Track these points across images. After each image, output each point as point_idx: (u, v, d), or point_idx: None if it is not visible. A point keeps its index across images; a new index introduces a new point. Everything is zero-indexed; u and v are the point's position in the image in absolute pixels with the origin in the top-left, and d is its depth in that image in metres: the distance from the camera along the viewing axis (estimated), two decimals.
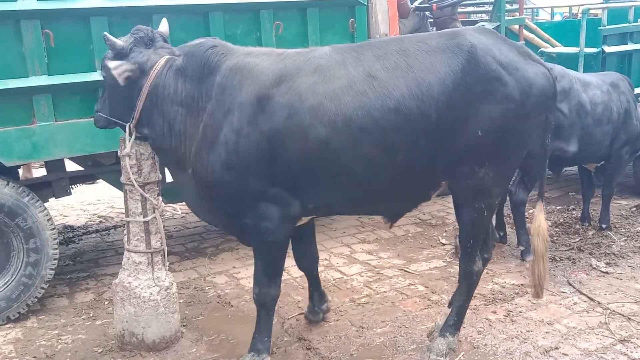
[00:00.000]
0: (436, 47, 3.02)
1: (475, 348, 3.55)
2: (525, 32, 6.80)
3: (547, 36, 7.25)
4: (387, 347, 3.59)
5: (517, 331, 3.72)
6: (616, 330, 3.71)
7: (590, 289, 4.30)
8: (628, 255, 4.88)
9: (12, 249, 3.93)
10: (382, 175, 3.07)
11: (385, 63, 2.99)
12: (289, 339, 3.71)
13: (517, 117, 3.03)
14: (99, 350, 3.62)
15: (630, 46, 6.84)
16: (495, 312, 3.97)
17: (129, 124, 3.29)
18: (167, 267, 3.64)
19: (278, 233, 3.16)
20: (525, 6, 8.46)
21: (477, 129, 2.99)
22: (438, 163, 3.08)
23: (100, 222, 6.21)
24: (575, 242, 5.17)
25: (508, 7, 6.99)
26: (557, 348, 3.52)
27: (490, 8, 6.89)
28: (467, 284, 3.40)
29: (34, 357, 3.57)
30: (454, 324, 3.45)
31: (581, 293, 4.23)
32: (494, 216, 3.97)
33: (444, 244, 5.29)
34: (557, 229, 5.51)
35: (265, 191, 3.08)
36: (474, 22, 7.45)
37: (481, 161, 3.07)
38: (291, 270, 4.54)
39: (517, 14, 6.90)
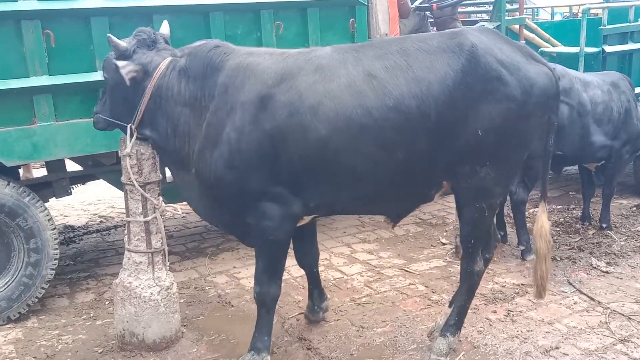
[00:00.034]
0: (437, 46, 3.03)
1: (475, 348, 3.55)
2: (525, 31, 6.80)
3: (547, 36, 7.25)
4: (387, 346, 3.59)
5: (518, 331, 3.72)
6: (616, 330, 3.71)
7: (591, 288, 4.30)
8: (628, 255, 4.88)
9: (13, 249, 3.93)
10: (382, 174, 3.07)
11: (385, 62, 3.01)
12: (289, 339, 3.71)
13: (518, 117, 3.03)
14: (100, 351, 3.62)
15: (630, 46, 6.83)
16: (495, 312, 3.97)
17: (130, 124, 3.30)
18: (168, 267, 3.65)
19: (279, 232, 3.17)
20: (525, 6, 8.45)
21: (478, 128, 2.99)
22: (438, 162, 3.08)
23: (101, 222, 6.21)
24: (575, 242, 5.17)
25: (508, 6, 6.99)
26: (557, 348, 3.52)
27: (491, 8, 6.89)
28: (469, 283, 3.40)
29: (34, 357, 3.57)
30: (454, 323, 3.45)
31: (581, 292, 4.23)
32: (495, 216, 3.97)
33: (444, 244, 5.29)
34: (558, 229, 5.51)
35: (267, 190, 3.09)
36: (474, 22, 7.45)
37: (482, 161, 3.07)
38: (291, 270, 4.54)
39: (518, 13, 6.89)
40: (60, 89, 3.93)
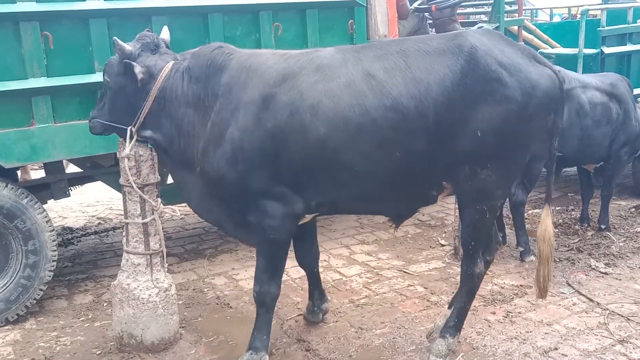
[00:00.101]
0: (436, 48, 3.04)
1: (474, 349, 3.54)
2: (524, 33, 6.80)
3: (546, 37, 7.26)
4: (386, 348, 3.59)
5: (517, 332, 3.72)
6: (615, 331, 3.71)
7: (590, 289, 4.30)
8: (627, 256, 4.88)
9: (11, 250, 3.92)
10: (382, 174, 3.08)
11: (385, 63, 3.02)
12: (288, 340, 3.70)
13: (519, 118, 3.01)
14: (98, 352, 3.61)
15: (629, 47, 6.85)
16: (494, 313, 3.97)
17: (130, 127, 3.32)
18: (166, 269, 3.64)
19: (281, 230, 3.19)
20: (524, 7, 8.46)
21: (477, 129, 2.98)
22: (438, 163, 3.08)
23: (99, 223, 6.21)
24: (574, 243, 5.17)
25: (507, 8, 7.00)
26: (556, 349, 3.52)
27: (489, 9, 6.89)
28: (469, 286, 3.40)
29: (32, 359, 3.56)
30: (454, 325, 3.44)
31: (580, 294, 4.23)
32: None
33: (443, 245, 5.29)
34: (557, 230, 5.50)
35: (269, 188, 3.11)
36: (473, 23, 7.45)
37: (483, 163, 3.06)
38: (290, 271, 4.54)
39: (516, 14, 6.91)
40: (58, 90, 3.92)
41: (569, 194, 6.77)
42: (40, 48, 3.82)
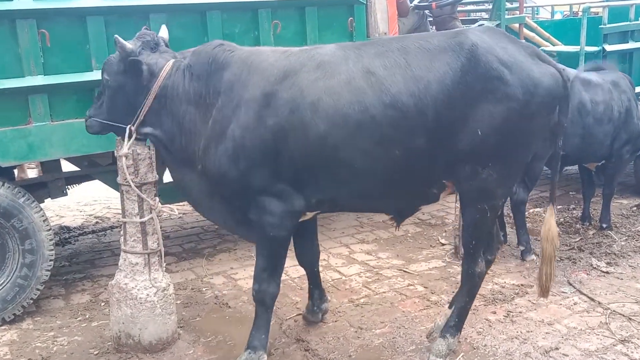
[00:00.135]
0: (437, 45, 3.02)
1: (474, 349, 3.52)
2: (525, 30, 6.77)
3: (547, 35, 7.23)
4: (386, 348, 3.56)
5: (517, 332, 3.69)
6: (617, 331, 3.68)
7: (591, 288, 4.27)
8: (629, 255, 4.85)
9: (8, 250, 3.90)
10: (381, 171, 3.07)
11: (385, 61, 3.02)
12: (287, 340, 3.68)
13: (520, 117, 2.97)
14: (95, 352, 3.59)
15: (631, 45, 6.81)
16: (495, 313, 3.94)
17: (129, 125, 3.31)
18: (164, 268, 3.62)
19: (281, 228, 3.19)
20: (525, 4, 8.43)
21: (478, 128, 2.95)
22: (438, 161, 3.06)
23: (97, 222, 6.18)
24: (575, 242, 5.14)
25: (508, 5, 6.98)
26: (557, 348, 3.49)
27: (490, 7, 6.86)
28: (469, 285, 3.37)
29: (29, 359, 3.54)
30: (454, 325, 3.42)
31: (581, 293, 4.20)
32: None
33: (443, 244, 5.26)
34: (558, 229, 5.46)
35: (269, 186, 3.11)
36: (474, 21, 7.41)
37: (484, 161, 3.03)
38: (289, 271, 4.51)
39: (518, 12, 6.88)
40: (55, 88, 3.90)
41: (571, 193, 6.74)
42: (37, 46, 3.79)
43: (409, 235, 5.52)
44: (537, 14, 11.03)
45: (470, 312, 3.52)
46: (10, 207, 3.83)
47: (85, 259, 5.14)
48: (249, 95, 3.09)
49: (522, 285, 4.34)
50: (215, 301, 4.24)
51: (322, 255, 4.84)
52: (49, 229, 4.02)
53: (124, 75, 3.30)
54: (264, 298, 3.30)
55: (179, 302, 4.12)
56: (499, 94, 2.93)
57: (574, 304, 4.06)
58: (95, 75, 3.89)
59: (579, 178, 6.04)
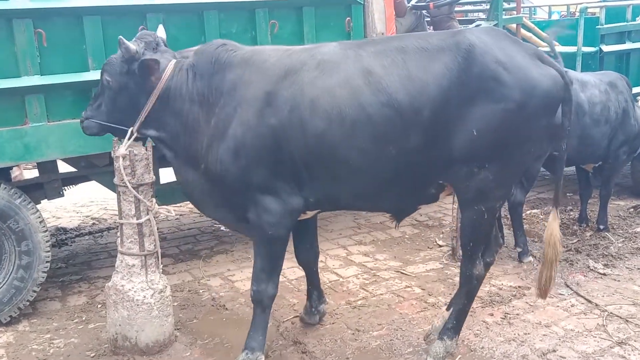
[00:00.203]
0: (435, 45, 3.03)
1: (472, 351, 3.51)
2: (522, 30, 6.77)
3: (544, 35, 7.22)
4: (383, 350, 3.55)
5: (515, 334, 3.69)
6: (614, 333, 3.68)
7: (588, 290, 4.27)
8: (626, 257, 4.85)
9: (4, 251, 3.87)
10: (378, 170, 3.07)
11: (383, 60, 3.03)
12: (284, 343, 3.67)
13: (517, 118, 2.95)
14: (92, 355, 3.57)
15: (628, 45, 6.82)
16: (492, 315, 3.94)
17: (132, 127, 3.32)
18: (161, 270, 3.60)
19: (280, 227, 3.19)
20: (522, 5, 8.42)
21: (473, 128, 2.95)
22: (435, 161, 3.06)
23: (94, 224, 6.15)
24: (572, 244, 5.13)
25: (505, 5, 6.96)
26: (554, 351, 3.49)
27: (488, 7, 6.85)
28: (468, 287, 3.36)
29: None
30: (452, 327, 3.41)
31: (579, 295, 4.20)
32: None
33: (440, 246, 5.25)
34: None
35: (269, 184, 3.13)
36: (471, 21, 7.41)
37: (480, 162, 3.02)
38: (287, 272, 4.50)
39: (515, 12, 6.87)
40: (52, 89, 3.88)
41: (568, 194, 6.74)
42: (34, 46, 3.77)
43: (407, 236, 5.51)
44: (534, 14, 11.05)
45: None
46: (7, 208, 3.81)
47: (81, 260, 5.12)
48: (251, 94, 3.12)
49: (519, 287, 4.33)
50: (213, 303, 4.23)
51: (320, 257, 4.82)
52: (46, 230, 4.00)
53: (127, 76, 3.30)
54: (262, 299, 3.30)
55: (176, 304, 4.11)
56: (496, 95, 2.93)
57: (571, 306, 4.06)
58: (92, 75, 3.88)
59: (576, 179, 6.03)
